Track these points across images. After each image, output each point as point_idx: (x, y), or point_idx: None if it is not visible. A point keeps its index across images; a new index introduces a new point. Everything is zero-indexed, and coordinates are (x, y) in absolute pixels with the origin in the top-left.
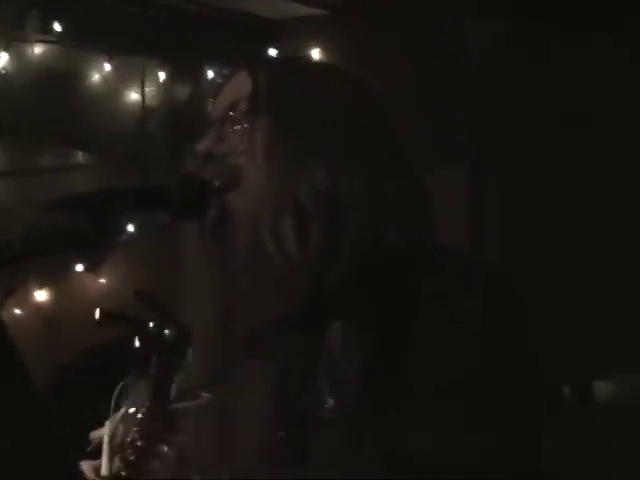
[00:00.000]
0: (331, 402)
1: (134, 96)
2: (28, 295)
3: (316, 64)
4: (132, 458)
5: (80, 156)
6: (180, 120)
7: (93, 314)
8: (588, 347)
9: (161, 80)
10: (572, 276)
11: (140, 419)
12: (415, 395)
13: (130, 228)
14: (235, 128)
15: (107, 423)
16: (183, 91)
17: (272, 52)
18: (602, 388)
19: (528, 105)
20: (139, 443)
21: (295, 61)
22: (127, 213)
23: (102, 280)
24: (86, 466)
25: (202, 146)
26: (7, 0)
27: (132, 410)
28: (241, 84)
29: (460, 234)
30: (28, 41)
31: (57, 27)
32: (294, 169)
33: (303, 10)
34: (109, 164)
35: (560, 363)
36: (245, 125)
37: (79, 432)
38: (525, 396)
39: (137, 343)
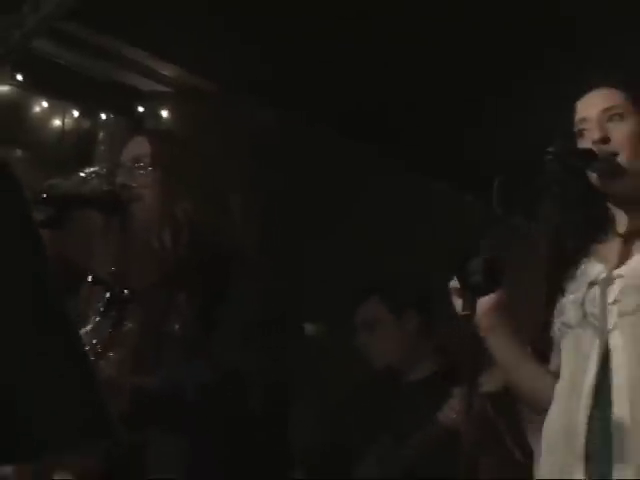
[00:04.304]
0: (177, 327)
1: (57, 123)
2: None
3: (180, 136)
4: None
5: (20, 154)
6: (83, 146)
7: None
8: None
9: (75, 116)
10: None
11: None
12: (226, 329)
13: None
14: (141, 172)
15: None
16: (86, 126)
17: (139, 109)
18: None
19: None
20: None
21: (171, 134)
22: (74, 209)
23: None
24: None
25: (120, 179)
26: None
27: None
28: (142, 145)
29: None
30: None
31: (19, 77)
32: (173, 199)
33: (155, 86)
34: (39, 163)
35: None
36: (148, 171)
37: None
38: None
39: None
